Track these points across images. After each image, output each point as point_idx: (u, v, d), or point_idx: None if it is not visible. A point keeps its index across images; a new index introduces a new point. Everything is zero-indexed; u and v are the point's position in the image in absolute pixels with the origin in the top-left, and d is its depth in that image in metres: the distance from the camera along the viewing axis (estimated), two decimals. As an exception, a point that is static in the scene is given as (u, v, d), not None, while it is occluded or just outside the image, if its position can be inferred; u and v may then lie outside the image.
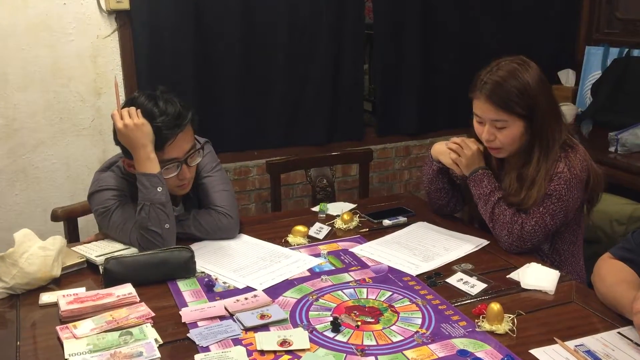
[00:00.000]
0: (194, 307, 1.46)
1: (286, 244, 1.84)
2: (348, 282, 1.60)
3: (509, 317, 1.37)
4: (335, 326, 1.36)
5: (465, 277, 1.59)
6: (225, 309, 1.44)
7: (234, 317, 1.41)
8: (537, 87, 1.71)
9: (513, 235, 1.73)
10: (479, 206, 1.83)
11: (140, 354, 1.25)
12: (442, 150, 1.91)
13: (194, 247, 1.71)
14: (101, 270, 1.60)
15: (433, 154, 1.95)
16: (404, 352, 1.28)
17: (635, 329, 1.27)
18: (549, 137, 1.73)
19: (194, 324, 1.39)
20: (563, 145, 1.75)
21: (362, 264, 1.70)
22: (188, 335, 1.34)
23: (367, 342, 1.32)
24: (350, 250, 1.79)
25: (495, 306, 1.36)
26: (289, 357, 1.27)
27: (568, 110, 3.30)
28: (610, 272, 1.46)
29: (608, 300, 1.43)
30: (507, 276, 1.61)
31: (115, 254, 1.65)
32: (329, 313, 1.44)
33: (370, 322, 1.40)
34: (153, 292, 1.54)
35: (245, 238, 1.88)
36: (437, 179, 1.97)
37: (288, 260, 1.72)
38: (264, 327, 1.37)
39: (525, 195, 1.74)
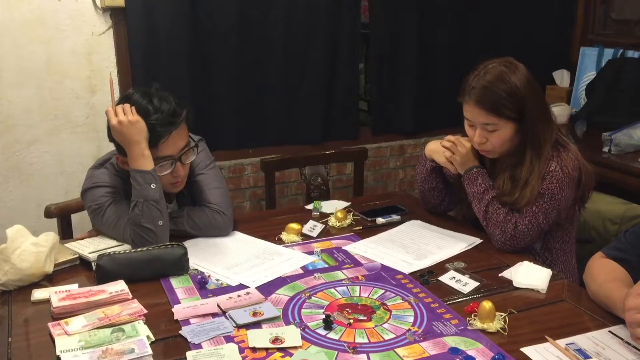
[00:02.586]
0: (187, 304, 1.46)
1: (280, 242, 1.84)
2: (341, 280, 1.60)
3: (501, 315, 1.38)
4: (328, 324, 1.36)
5: (458, 276, 1.60)
6: (218, 306, 1.44)
7: (226, 314, 1.41)
8: (525, 88, 1.71)
9: (506, 234, 1.73)
10: (473, 204, 1.83)
11: (132, 351, 1.25)
12: (436, 149, 1.91)
13: (187, 244, 1.71)
14: (94, 267, 1.60)
15: (427, 153, 1.96)
16: (396, 349, 1.28)
17: (627, 326, 1.28)
18: (540, 137, 1.74)
19: (187, 321, 1.39)
20: (554, 144, 1.76)
21: (355, 262, 1.71)
22: (180, 332, 1.34)
23: (359, 339, 1.32)
24: (344, 248, 1.80)
25: (487, 304, 1.36)
26: (281, 354, 1.27)
27: (562, 111, 3.32)
28: (601, 270, 1.47)
29: (599, 298, 1.43)
30: (500, 275, 1.61)
31: (108, 250, 1.65)
32: (322, 311, 1.44)
33: (362, 320, 1.40)
34: (146, 289, 1.54)
35: (238, 235, 1.88)
36: (430, 177, 1.97)
37: (281, 258, 1.72)
38: (256, 325, 1.37)
39: (519, 195, 1.74)
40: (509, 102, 1.69)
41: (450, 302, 1.48)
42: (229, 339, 1.32)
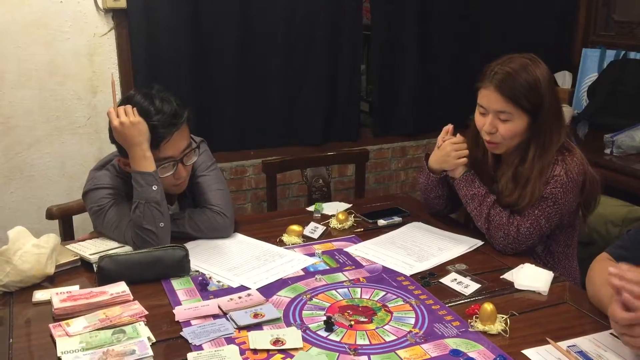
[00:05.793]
0: (188, 305, 1.46)
1: (281, 244, 1.83)
2: (342, 282, 1.60)
3: (502, 317, 1.37)
4: (329, 325, 1.36)
5: (459, 278, 1.59)
6: (219, 307, 1.44)
7: (227, 316, 1.41)
8: (545, 85, 1.71)
9: (509, 237, 1.73)
10: (472, 207, 1.82)
11: (133, 352, 1.25)
12: (439, 159, 1.87)
13: (189, 246, 1.71)
14: (95, 269, 1.60)
15: (434, 166, 1.91)
16: (397, 351, 1.28)
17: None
18: (547, 137, 1.73)
19: (187, 323, 1.38)
20: (560, 149, 1.75)
21: (356, 264, 1.70)
22: (181, 333, 1.34)
23: (360, 341, 1.32)
24: (345, 249, 1.80)
25: (488, 306, 1.36)
26: (282, 356, 1.27)
27: (564, 112, 3.30)
28: (598, 273, 1.46)
29: (594, 300, 1.43)
30: (501, 277, 1.61)
31: (110, 252, 1.65)
32: (323, 312, 1.44)
33: (363, 322, 1.40)
34: (147, 290, 1.54)
35: (240, 237, 1.88)
36: (437, 187, 1.94)
37: (282, 260, 1.72)
38: (257, 326, 1.37)
39: (520, 195, 1.74)
40: (529, 93, 1.69)
41: (452, 304, 1.48)
42: (229, 340, 1.32)
